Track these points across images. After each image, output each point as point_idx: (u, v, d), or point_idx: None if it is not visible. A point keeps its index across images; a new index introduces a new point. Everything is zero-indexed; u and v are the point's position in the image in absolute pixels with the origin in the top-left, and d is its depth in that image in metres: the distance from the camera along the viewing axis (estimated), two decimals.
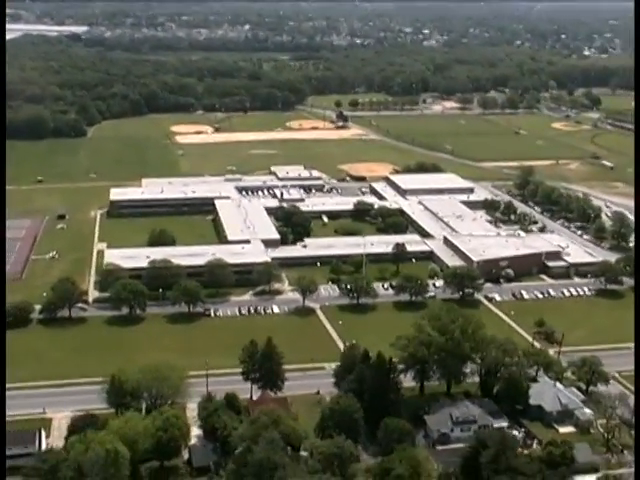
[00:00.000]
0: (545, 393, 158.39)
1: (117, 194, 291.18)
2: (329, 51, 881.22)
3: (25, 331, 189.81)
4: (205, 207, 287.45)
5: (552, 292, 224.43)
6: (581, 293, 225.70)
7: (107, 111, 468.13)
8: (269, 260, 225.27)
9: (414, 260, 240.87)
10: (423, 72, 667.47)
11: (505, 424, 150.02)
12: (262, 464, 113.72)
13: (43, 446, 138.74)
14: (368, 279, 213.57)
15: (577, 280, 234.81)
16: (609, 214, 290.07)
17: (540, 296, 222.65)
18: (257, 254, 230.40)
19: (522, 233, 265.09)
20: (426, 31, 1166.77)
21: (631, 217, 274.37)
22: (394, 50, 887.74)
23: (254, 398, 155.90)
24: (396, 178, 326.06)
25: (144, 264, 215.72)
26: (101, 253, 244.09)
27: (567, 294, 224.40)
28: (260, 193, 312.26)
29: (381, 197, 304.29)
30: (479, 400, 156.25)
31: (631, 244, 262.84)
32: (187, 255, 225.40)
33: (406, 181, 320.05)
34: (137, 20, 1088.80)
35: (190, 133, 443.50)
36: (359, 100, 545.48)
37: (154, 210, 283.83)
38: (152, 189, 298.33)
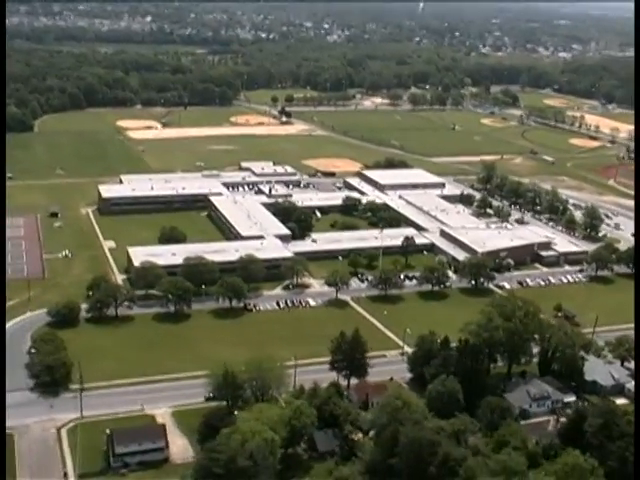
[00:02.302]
0: (597, 369, 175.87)
1: (108, 191, 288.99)
2: (239, 45, 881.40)
3: (78, 331, 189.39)
4: (197, 203, 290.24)
5: (552, 279, 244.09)
6: (577, 280, 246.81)
7: (46, 105, 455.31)
8: (292, 255, 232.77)
9: (425, 252, 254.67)
10: (343, 68, 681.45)
11: (573, 398, 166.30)
12: (421, 443, 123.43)
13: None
14: (394, 271, 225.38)
15: (568, 267, 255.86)
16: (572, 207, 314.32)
17: (542, 283, 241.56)
18: (278, 249, 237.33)
19: (509, 225, 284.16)
20: (326, 26, 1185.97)
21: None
22: (303, 45, 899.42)
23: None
24: (370, 173, 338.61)
25: (178, 261, 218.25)
26: (115, 251, 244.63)
27: (565, 281, 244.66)
28: (242, 189, 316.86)
29: (361, 192, 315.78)
30: (542, 378, 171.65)
31: (600, 234, 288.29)
32: (212, 252, 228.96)
33: (381, 176, 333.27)
34: (32, 8, 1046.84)
35: (140, 128, 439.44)
36: (294, 95, 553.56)
37: (146, 207, 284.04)
38: (142, 185, 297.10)
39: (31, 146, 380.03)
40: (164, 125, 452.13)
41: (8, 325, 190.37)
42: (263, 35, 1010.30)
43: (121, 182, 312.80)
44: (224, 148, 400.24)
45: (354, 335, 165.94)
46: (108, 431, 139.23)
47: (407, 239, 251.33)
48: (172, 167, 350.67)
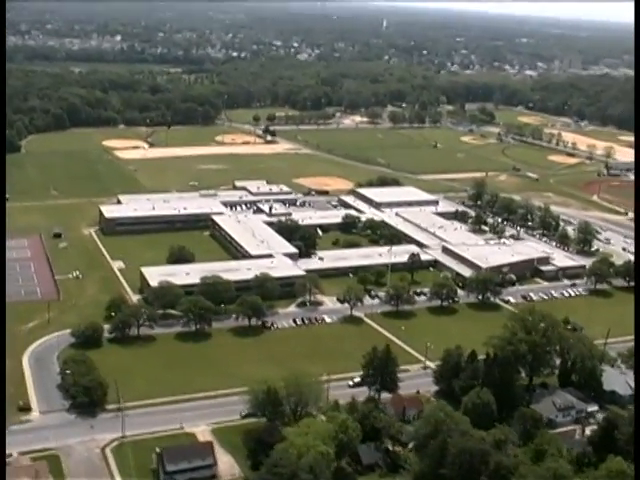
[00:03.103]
0: (615, 379, 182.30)
1: (110, 211, 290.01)
2: (212, 64, 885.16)
3: (102, 351, 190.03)
4: (199, 223, 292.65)
5: (554, 293, 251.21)
6: (577, 293, 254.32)
7: (30, 125, 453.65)
8: (304, 273, 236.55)
9: (431, 269, 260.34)
10: (319, 87, 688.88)
11: (595, 408, 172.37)
12: (472, 453, 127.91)
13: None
14: (405, 287, 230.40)
15: (567, 281, 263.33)
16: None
17: (545, 297, 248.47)
18: (289, 267, 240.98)
19: (507, 241, 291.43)
20: (295, 44, 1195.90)
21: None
22: (276, 63, 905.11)
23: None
24: (365, 191, 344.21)
25: (194, 280, 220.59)
26: (124, 271, 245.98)
27: (566, 294, 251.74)
28: (239, 208, 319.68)
29: (358, 210, 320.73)
30: (563, 389, 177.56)
31: (593, 249, 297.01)
32: (224, 271, 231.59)
33: (376, 194, 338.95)
34: None
35: (127, 148, 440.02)
36: (276, 114, 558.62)
37: (149, 227, 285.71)
38: (143, 206, 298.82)
39: (22, 167, 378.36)
40: (151, 145, 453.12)
41: (32, 347, 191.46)
42: (234, 54, 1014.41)
43: (119, 202, 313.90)
44: (214, 167, 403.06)
45: (385, 350, 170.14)
46: (158, 449, 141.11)
47: (413, 256, 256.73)
48: (166, 187, 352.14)
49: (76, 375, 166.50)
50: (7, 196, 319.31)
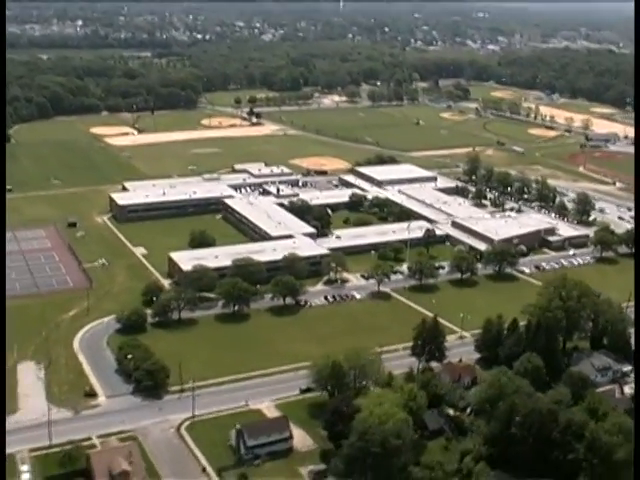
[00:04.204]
0: None
1: (122, 199, 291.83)
2: (179, 47, 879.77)
3: (148, 336, 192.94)
4: (210, 207, 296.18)
5: (564, 262, 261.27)
6: (585, 261, 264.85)
7: (15, 115, 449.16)
8: (329, 252, 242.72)
9: (447, 243, 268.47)
10: (294, 67, 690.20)
11: (630, 367, 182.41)
12: (541, 412, 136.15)
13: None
14: (427, 262, 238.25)
15: (573, 250, 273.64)
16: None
17: (556, 266, 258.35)
18: (313, 247, 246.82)
19: (512, 214, 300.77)
20: (257, 25, 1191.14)
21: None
22: (243, 45, 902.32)
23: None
24: (364, 170, 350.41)
25: (226, 263, 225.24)
26: (148, 257, 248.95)
27: (575, 263, 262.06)
28: (244, 190, 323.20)
29: (361, 189, 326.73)
30: (596, 351, 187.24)
31: (590, 219, 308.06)
32: (252, 252, 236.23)
33: (376, 172, 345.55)
34: None
35: (116, 135, 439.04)
36: (256, 96, 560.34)
37: (161, 213, 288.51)
38: (153, 192, 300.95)
39: (16, 157, 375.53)
40: (139, 131, 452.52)
41: (80, 335, 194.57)
42: (199, 36, 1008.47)
43: (124, 189, 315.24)
44: (208, 151, 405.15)
45: (434, 322, 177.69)
46: (238, 425, 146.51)
47: (428, 231, 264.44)
48: (165, 172, 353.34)
49: (137, 360, 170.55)
50: (9, 187, 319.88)
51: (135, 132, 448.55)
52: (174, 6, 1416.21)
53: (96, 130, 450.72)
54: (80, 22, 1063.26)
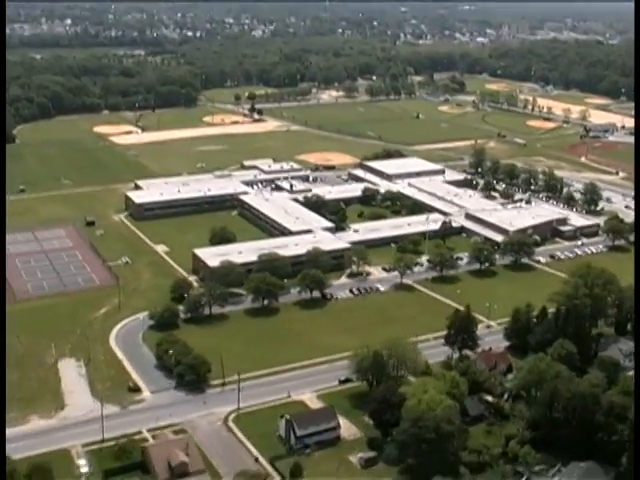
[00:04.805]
0: None
1: (139, 197, 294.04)
2: (171, 45, 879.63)
3: (182, 332, 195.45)
4: (225, 203, 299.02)
5: (578, 251, 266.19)
6: (598, 250, 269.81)
7: (17, 115, 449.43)
8: (350, 246, 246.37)
9: (464, 234, 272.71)
10: (290, 63, 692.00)
11: None
12: (584, 395, 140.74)
13: None
14: (448, 254, 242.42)
15: (585, 240, 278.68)
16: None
17: (571, 255, 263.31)
18: (334, 241, 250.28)
19: (523, 205, 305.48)
20: (247, 21, 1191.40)
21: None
22: (235, 42, 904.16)
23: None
24: (373, 164, 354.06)
25: (251, 258, 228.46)
26: (170, 254, 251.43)
27: (589, 252, 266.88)
28: (255, 187, 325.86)
29: (372, 183, 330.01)
30: (622, 337, 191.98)
31: (598, 208, 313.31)
32: (273, 248, 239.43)
33: (384, 166, 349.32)
34: None
35: (120, 133, 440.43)
36: (253, 93, 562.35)
37: (177, 210, 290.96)
38: (168, 189, 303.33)
39: (23, 158, 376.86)
40: (142, 129, 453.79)
41: (114, 332, 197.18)
42: (189, 34, 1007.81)
43: (137, 187, 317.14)
44: (214, 148, 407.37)
45: (466, 311, 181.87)
46: (288, 416, 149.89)
47: (445, 223, 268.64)
48: (174, 170, 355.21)
49: (178, 355, 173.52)
50: (22, 187, 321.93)
51: (139, 130, 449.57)
52: (161, 4, 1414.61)
53: (99, 129, 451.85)
54: (69, 21, 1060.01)
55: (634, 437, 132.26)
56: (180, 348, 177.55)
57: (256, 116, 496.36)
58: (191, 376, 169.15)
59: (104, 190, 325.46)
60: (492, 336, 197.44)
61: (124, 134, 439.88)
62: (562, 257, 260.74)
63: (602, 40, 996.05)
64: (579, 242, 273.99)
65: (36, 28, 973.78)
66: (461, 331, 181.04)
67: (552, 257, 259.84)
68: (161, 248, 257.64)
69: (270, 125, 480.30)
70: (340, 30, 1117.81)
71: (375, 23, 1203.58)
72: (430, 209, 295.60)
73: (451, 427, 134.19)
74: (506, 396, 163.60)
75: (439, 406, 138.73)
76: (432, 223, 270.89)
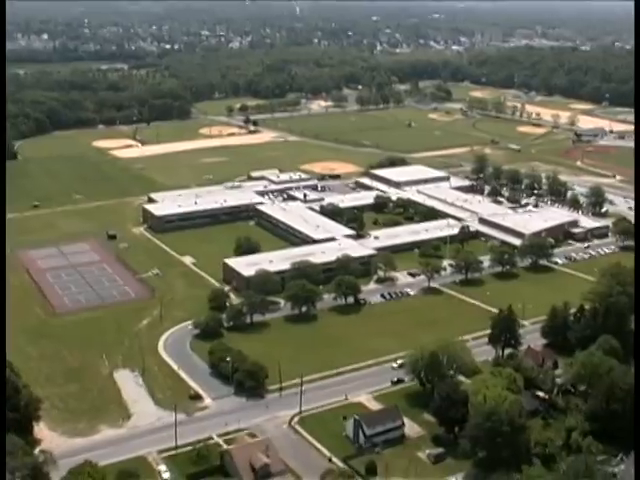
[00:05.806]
0: None
1: (158, 209, 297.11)
2: (151, 58, 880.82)
3: (228, 340, 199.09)
4: (242, 214, 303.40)
5: (592, 252, 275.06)
6: (610, 251, 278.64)
7: (15, 131, 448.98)
8: (376, 252, 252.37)
9: (482, 238, 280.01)
10: (278, 74, 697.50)
11: None
12: None
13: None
14: (472, 257, 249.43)
15: (589, 242, 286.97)
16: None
17: (585, 256, 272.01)
18: (359, 248, 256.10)
19: (533, 209, 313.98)
20: (222, 33, 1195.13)
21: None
22: (216, 54, 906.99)
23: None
24: (381, 172, 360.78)
25: (284, 266, 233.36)
26: (198, 265, 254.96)
27: (602, 252, 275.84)
28: (267, 197, 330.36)
29: (381, 191, 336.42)
30: None
31: (603, 210, 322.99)
32: (302, 256, 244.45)
33: (391, 174, 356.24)
34: None
35: (120, 147, 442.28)
36: (242, 104, 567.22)
37: (195, 222, 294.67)
38: (184, 201, 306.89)
39: (28, 174, 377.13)
40: (142, 143, 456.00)
41: (161, 342, 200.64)
42: (167, 46, 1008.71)
43: (150, 200, 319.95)
44: (217, 160, 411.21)
45: (509, 311, 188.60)
46: (356, 416, 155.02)
47: (463, 228, 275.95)
48: (182, 182, 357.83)
49: (236, 362, 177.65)
50: (37, 203, 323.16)
51: (139, 144, 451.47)
52: (134, 16, 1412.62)
53: (99, 143, 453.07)
54: (46, 36, 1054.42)
55: (634, 437, 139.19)
56: (234, 355, 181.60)
57: (252, 127, 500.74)
58: (250, 382, 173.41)
59: (117, 203, 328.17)
60: (528, 335, 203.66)
61: (124, 148, 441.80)
62: (578, 258, 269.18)
63: (575, 47, 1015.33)
64: (585, 244, 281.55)
65: (14, 44, 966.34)
66: (504, 330, 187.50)
67: (568, 258, 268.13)
68: (188, 259, 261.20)
69: (266, 136, 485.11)
70: (316, 40, 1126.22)
71: (350, 33, 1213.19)
72: (443, 215, 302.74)
73: (522, 420, 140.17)
74: (556, 391, 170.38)
75: (504, 401, 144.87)
76: (446, 228, 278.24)
